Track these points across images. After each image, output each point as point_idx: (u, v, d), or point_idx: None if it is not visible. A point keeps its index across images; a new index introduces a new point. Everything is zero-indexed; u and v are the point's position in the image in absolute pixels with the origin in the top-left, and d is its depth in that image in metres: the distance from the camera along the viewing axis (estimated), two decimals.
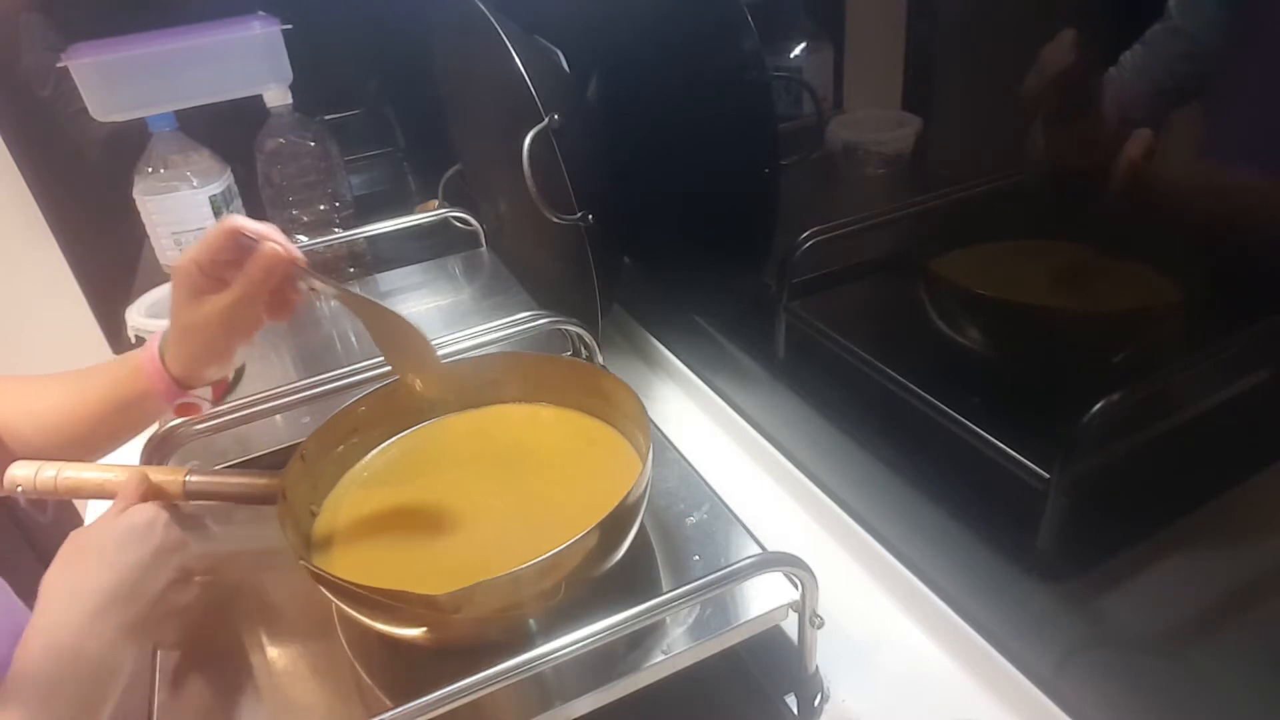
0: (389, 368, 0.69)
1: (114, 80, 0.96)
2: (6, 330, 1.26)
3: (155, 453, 0.65)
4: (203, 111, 1.01)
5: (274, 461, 0.71)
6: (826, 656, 0.58)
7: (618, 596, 0.49)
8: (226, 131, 1.07)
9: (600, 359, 0.76)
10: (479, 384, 0.67)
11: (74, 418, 0.61)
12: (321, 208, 1.13)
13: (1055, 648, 0.57)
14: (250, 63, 1.01)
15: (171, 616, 0.52)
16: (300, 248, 0.54)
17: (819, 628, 0.54)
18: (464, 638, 0.51)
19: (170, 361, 0.58)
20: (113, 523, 0.51)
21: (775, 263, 0.74)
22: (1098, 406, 0.48)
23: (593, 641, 0.45)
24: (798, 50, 0.80)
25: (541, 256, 0.92)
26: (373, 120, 1.43)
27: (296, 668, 0.54)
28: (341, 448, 0.62)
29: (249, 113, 1.05)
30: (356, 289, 0.90)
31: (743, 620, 0.53)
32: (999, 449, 0.55)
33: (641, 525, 0.56)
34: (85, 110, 0.96)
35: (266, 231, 0.53)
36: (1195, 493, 0.51)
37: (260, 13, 1.03)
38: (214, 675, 0.54)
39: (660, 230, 0.95)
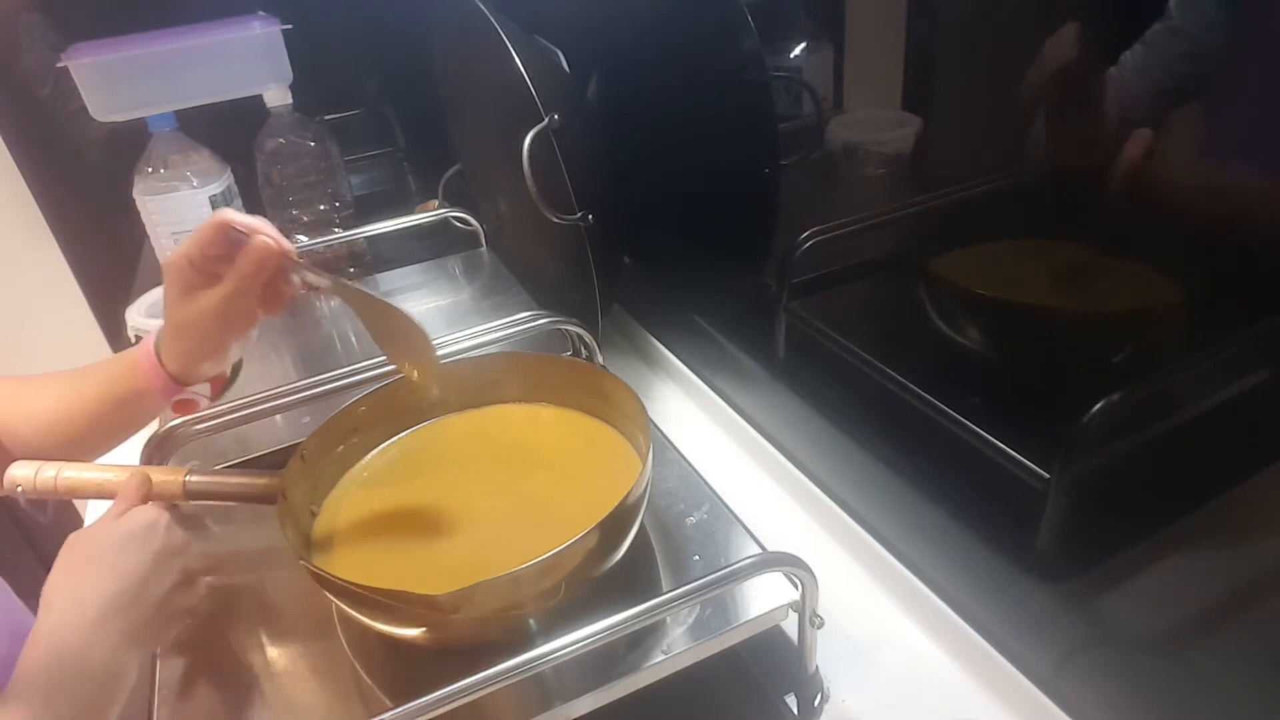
0: (389, 368, 0.69)
1: (114, 80, 0.96)
2: (6, 330, 1.26)
3: (155, 452, 0.65)
4: (203, 111, 1.01)
5: (274, 461, 0.71)
6: (826, 656, 0.58)
7: (618, 596, 0.49)
8: (226, 131, 1.07)
9: (600, 359, 0.76)
10: (479, 384, 0.67)
11: (71, 416, 0.61)
12: (321, 208, 1.13)
13: (1055, 648, 0.57)
14: (250, 63, 1.01)
15: (176, 619, 0.52)
16: (300, 248, 0.54)
17: (819, 628, 0.54)
18: (464, 638, 0.51)
19: (166, 358, 0.58)
20: (113, 526, 0.50)
21: (775, 263, 0.74)
22: (1098, 406, 0.48)
23: (593, 641, 0.45)
24: (798, 50, 0.80)
25: (541, 256, 0.92)
26: (373, 120, 1.43)
27: (296, 668, 0.54)
28: (341, 448, 0.62)
29: (249, 113, 1.05)
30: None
31: (743, 620, 0.53)
32: (999, 449, 0.55)
33: (641, 525, 0.56)
34: (85, 110, 0.96)
35: (257, 225, 0.53)
36: (1195, 493, 0.51)
37: (260, 13, 1.03)
38: (214, 675, 0.54)
39: (660, 230, 0.95)
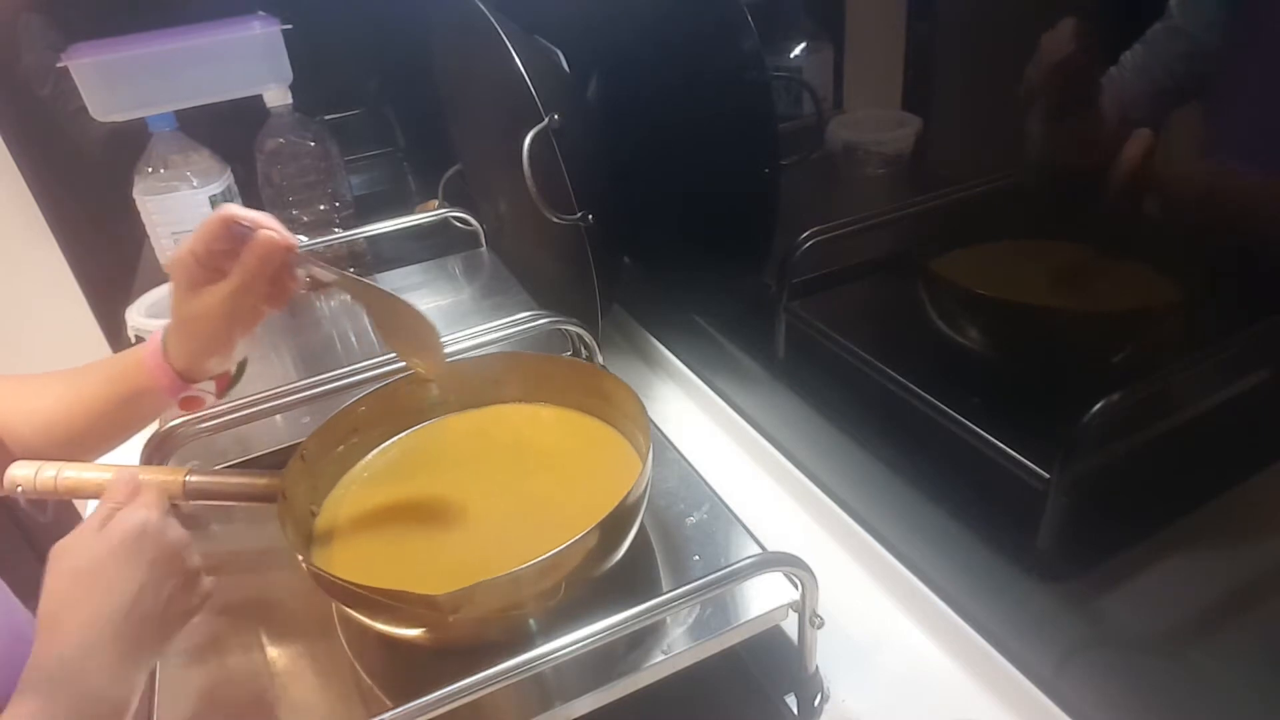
0: (389, 368, 0.69)
1: (114, 80, 0.96)
2: (6, 330, 1.26)
3: (155, 452, 0.65)
4: (203, 111, 1.01)
5: (274, 461, 0.71)
6: (826, 656, 0.58)
7: (618, 596, 0.49)
8: (226, 131, 1.07)
9: (600, 359, 0.76)
10: (479, 384, 0.67)
11: (71, 416, 0.61)
12: (321, 208, 1.13)
13: (1055, 648, 0.57)
14: (250, 63, 1.01)
15: (179, 621, 0.49)
16: (300, 248, 0.54)
17: (819, 628, 0.54)
18: (464, 638, 0.51)
19: (173, 355, 0.58)
20: (102, 537, 0.47)
21: (775, 263, 0.74)
22: (1098, 406, 0.48)
23: (593, 641, 0.45)
24: (798, 50, 0.80)
25: (541, 256, 0.92)
26: (373, 120, 1.43)
27: (296, 668, 0.54)
28: (341, 448, 0.62)
29: (249, 113, 1.05)
30: None
31: (743, 620, 0.53)
32: (999, 449, 0.55)
33: (641, 525, 0.56)
34: (85, 110, 0.96)
35: (261, 219, 0.53)
36: (1195, 493, 0.51)
37: (260, 13, 1.04)
38: (214, 675, 0.54)
39: (660, 230, 0.95)
